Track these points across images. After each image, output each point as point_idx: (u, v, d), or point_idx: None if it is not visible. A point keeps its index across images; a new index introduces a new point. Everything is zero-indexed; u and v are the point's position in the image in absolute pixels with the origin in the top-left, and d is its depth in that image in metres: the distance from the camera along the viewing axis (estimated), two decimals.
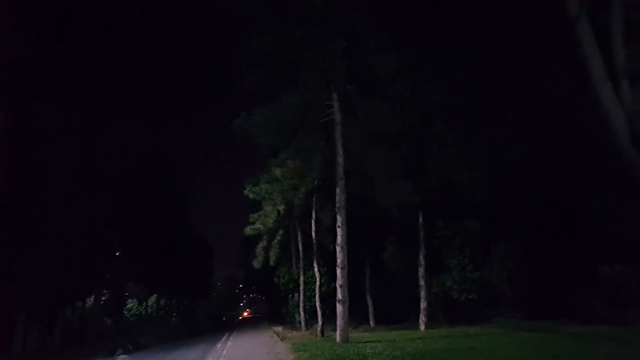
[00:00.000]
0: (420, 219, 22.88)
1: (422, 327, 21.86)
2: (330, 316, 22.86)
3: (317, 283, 22.58)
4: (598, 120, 10.53)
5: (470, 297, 22.19)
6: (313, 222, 23.07)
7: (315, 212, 23.15)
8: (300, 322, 27.91)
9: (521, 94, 20.15)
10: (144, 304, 61.61)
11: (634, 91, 10.21)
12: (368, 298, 27.55)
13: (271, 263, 29.12)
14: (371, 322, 26.98)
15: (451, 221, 23.15)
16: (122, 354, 23.25)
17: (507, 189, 23.14)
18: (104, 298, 46.27)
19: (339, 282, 17.53)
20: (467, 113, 22.28)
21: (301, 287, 26.55)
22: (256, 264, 29.44)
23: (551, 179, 20.90)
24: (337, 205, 18.24)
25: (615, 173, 14.93)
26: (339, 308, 17.39)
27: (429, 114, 22.14)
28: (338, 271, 17.63)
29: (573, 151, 18.79)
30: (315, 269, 22.82)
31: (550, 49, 14.82)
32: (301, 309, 27.10)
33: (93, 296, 41.19)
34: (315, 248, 23.20)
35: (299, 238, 27.16)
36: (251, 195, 22.05)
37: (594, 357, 9.74)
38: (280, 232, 28.95)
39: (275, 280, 30.05)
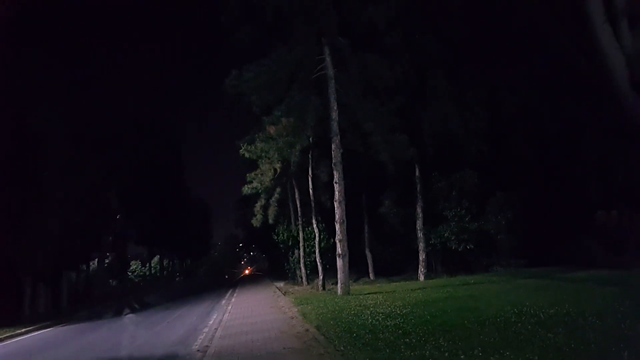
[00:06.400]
0: (417, 172, 22.90)
1: (422, 278, 22.24)
2: (330, 271, 23.26)
3: (317, 239, 22.79)
4: (596, 65, 10.31)
5: (468, 247, 22.51)
6: (310, 179, 23.03)
7: (312, 168, 23.06)
8: (301, 278, 28.43)
9: (517, 41, 19.67)
10: (147, 265, 62.64)
11: (634, 33, 9.94)
12: (367, 252, 27.87)
13: (270, 221, 29.34)
14: (371, 275, 27.42)
15: (447, 173, 23.17)
16: (129, 313, 23.65)
17: (504, 138, 23.05)
18: (107, 260, 46.97)
19: (338, 237, 17.71)
20: (462, 63, 21.88)
21: (301, 244, 26.83)
22: (255, 222, 29.65)
23: (548, 127, 20.76)
24: (333, 161, 18.19)
25: (612, 119, 14.81)
26: (339, 262, 17.65)
27: (423, 66, 21.73)
28: (337, 226, 17.77)
29: (570, 98, 18.57)
30: (314, 225, 22.98)
31: None
32: (302, 265, 27.51)
33: (96, 259, 41.82)
34: (313, 204, 23.27)
35: (297, 195, 27.27)
36: (247, 155, 21.79)
37: (596, 299, 9.90)
38: (278, 190, 29.01)
39: (275, 237, 30.32)
